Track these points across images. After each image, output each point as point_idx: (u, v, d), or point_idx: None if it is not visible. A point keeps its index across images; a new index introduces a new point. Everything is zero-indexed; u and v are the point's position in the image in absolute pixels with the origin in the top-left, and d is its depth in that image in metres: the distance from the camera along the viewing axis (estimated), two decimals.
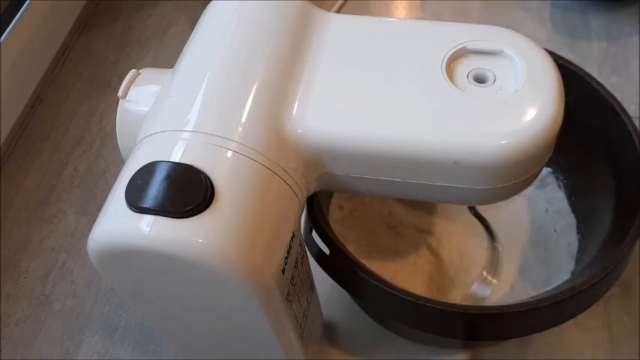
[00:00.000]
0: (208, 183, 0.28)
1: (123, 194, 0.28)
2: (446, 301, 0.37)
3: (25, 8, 0.66)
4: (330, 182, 0.34)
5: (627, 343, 0.46)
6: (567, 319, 0.37)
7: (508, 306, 0.36)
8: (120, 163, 0.34)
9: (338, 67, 0.33)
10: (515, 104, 0.31)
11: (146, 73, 0.36)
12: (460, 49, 0.33)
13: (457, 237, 0.49)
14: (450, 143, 0.31)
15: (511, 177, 0.32)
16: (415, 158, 0.31)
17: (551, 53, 0.34)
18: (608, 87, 0.43)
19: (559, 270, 0.46)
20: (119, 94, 0.34)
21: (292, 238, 0.31)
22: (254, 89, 0.31)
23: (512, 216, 0.50)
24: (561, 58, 0.42)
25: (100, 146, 0.64)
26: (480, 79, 0.33)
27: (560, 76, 0.32)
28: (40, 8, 0.68)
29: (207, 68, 0.32)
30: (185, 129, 0.30)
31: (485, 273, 0.44)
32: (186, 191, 0.27)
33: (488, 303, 0.45)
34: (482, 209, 0.50)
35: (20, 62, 0.65)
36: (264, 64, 0.32)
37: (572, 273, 0.45)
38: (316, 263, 0.39)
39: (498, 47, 0.33)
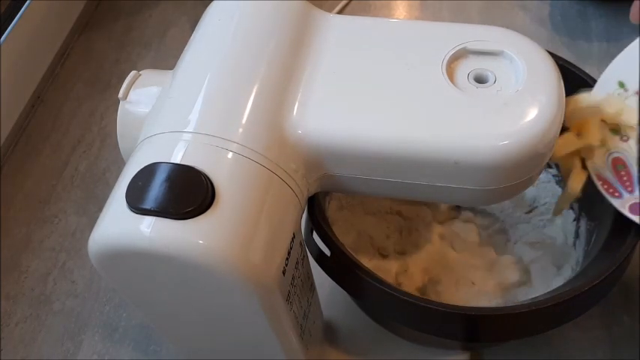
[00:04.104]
0: (209, 184, 0.28)
1: (123, 195, 0.28)
2: (447, 302, 0.37)
3: (25, 8, 0.66)
4: (331, 183, 0.34)
5: (627, 343, 0.46)
6: (568, 321, 0.37)
7: (509, 307, 0.36)
8: (120, 163, 0.34)
9: (338, 68, 0.33)
10: (515, 105, 0.31)
11: (146, 74, 0.36)
12: (460, 49, 0.33)
13: (458, 237, 0.49)
14: (450, 144, 0.31)
15: (512, 178, 0.32)
16: (415, 159, 0.31)
17: (551, 53, 0.34)
18: None
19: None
20: (120, 95, 0.34)
21: (293, 239, 0.31)
22: (254, 90, 0.31)
23: (512, 216, 0.50)
24: (561, 58, 0.42)
25: (100, 146, 0.64)
26: (480, 80, 0.33)
27: (560, 77, 0.32)
28: (40, 8, 0.68)
29: (208, 69, 0.32)
30: (186, 130, 0.30)
31: None
32: (186, 192, 0.27)
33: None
34: (481, 208, 0.50)
35: (20, 62, 0.65)
36: (265, 65, 0.32)
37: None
38: (317, 264, 0.39)
39: (499, 48, 0.33)
